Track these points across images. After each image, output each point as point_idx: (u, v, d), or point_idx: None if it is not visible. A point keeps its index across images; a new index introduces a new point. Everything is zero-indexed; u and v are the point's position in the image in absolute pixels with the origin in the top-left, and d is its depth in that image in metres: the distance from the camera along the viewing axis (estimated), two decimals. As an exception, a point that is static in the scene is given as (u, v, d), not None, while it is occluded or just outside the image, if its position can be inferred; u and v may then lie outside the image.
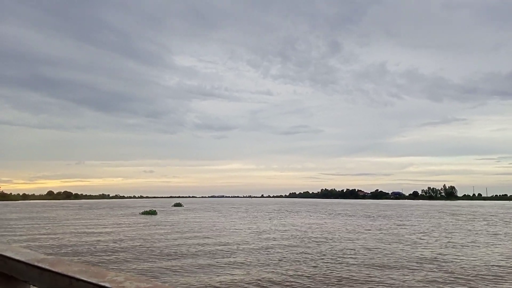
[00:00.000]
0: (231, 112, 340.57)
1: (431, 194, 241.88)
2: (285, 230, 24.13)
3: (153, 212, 44.31)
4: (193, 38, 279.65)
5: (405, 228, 26.05)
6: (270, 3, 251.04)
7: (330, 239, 19.12)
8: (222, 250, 15.85)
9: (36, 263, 1.41)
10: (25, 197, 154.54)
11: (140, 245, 17.24)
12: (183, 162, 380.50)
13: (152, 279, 1.01)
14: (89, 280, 1.14)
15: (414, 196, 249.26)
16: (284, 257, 13.88)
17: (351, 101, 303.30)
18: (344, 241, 18.61)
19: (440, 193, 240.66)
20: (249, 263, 12.92)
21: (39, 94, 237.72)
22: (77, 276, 1.19)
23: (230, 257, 14.17)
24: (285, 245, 17.42)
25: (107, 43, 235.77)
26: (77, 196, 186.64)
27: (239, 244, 17.83)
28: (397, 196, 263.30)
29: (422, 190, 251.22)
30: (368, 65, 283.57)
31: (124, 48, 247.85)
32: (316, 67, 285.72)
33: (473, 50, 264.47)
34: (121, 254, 14.78)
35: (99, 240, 19.16)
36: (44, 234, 22.08)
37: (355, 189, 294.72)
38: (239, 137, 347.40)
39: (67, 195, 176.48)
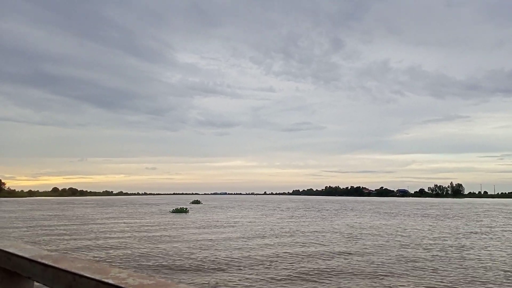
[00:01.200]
0: (234, 109, 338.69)
1: (437, 192, 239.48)
2: (372, 233, 21.27)
3: (185, 210, 41.26)
4: (195, 35, 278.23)
5: (496, 229, 23.29)
6: (272, 0, 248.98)
7: (451, 246, 16.25)
8: (348, 255, 12.97)
9: (39, 260, 1.40)
10: (31, 193, 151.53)
11: (231, 252, 14.37)
12: (186, 159, 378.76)
13: (155, 276, 1.17)
14: (92, 276, 1.13)
15: (420, 193, 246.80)
16: (464, 273, 11.01)
17: (353, 98, 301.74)
18: (475, 248, 15.77)
19: (447, 190, 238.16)
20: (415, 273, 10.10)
21: (41, 91, 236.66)
22: (81, 272, 1.18)
23: (369, 261, 11.33)
24: (410, 251, 14.55)
25: (109, 40, 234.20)
26: (82, 193, 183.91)
27: (344, 247, 14.95)
28: (403, 193, 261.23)
29: (429, 188, 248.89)
30: (370, 62, 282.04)
31: (126, 45, 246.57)
32: (318, 64, 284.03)
33: (475, 47, 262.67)
34: (233, 268, 11.89)
35: (169, 245, 16.27)
36: (96, 238, 19.18)
37: (360, 187, 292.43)
38: (241, 134, 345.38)
39: (72, 192, 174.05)
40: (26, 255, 1.48)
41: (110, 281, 1.07)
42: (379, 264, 11.81)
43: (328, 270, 11.01)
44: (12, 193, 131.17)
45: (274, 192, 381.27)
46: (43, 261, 1.38)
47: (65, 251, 14.66)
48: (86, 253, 14.29)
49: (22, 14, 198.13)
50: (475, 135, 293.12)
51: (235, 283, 9.60)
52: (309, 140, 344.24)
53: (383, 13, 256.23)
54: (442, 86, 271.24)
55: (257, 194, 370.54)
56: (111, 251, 14.69)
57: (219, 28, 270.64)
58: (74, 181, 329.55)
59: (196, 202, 69.82)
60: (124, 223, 27.91)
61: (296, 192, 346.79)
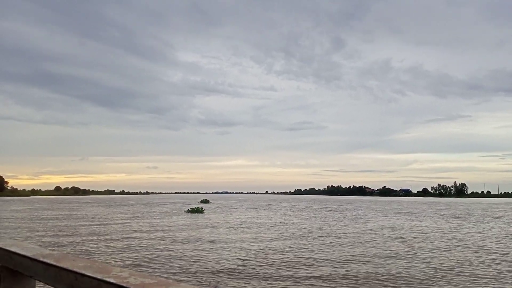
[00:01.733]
0: (235, 108, 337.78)
1: (441, 191, 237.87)
2: (421, 236, 19.87)
3: (201, 210, 39.35)
4: (196, 34, 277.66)
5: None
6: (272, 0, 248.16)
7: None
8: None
9: (41, 259, 1.41)
10: (34, 192, 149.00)
11: (287, 256, 12.95)
12: (187, 158, 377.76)
13: (157, 275, 1.11)
14: (94, 275, 1.13)
15: (424, 193, 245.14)
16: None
17: (355, 97, 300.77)
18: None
19: (450, 190, 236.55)
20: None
21: (42, 90, 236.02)
22: (82, 271, 1.18)
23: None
24: (488, 255, 13.14)
25: (110, 39, 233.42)
26: (85, 192, 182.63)
27: (409, 251, 13.51)
28: (406, 193, 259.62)
29: (432, 187, 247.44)
30: (372, 61, 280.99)
31: (127, 44, 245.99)
32: (319, 63, 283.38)
33: (477, 46, 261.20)
34: (308, 276, 10.47)
35: (210, 247, 14.85)
36: (127, 239, 17.74)
37: (362, 186, 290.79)
38: (242, 133, 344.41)
39: (75, 191, 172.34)
40: (28, 254, 1.48)
41: (112, 280, 1.07)
42: (475, 270, 10.39)
43: (424, 277, 9.60)
44: (15, 192, 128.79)
45: (275, 192, 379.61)
46: (45, 260, 1.38)
47: (102, 253, 13.27)
48: (125, 254, 12.87)
49: (23, 14, 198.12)
50: (476, 135, 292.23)
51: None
52: (310, 139, 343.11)
53: (384, 13, 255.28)
54: (444, 86, 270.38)
55: (258, 193, 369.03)
56: (149, 252, 13.30)
57: (219, 28, 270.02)
58: (75, 180, 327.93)
59: (205, 201, 68.15)
60: (145, 223, 26.48)
61: (298, 192, 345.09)
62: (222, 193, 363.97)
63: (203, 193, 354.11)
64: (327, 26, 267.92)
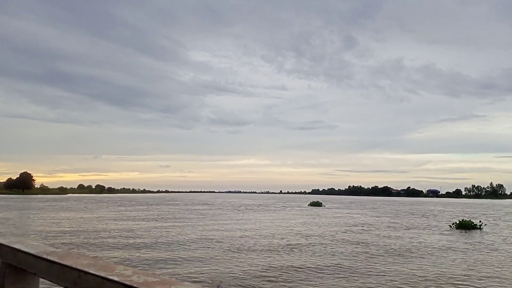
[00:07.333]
0: (246, 107, 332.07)
1: (476, 192, 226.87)
2: None
3: (474, 226, 23.20)
4: (207, 33, 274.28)
5: None
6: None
7: None
8: None
9: (45, 256, 1.40)
10: (62, 190, 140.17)
11: None
12: (198, 157, 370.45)
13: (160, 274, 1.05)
14: (97, 273, 1.12)
15: (457, 194, 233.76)
16: None
17: (366, 96, 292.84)
18: None
19: (486, 191, 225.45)
20: None
21: (55, 89, 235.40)
22: (86, 269, 1.17)
23: None
24: None
25: (121, 38, 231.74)
26: (110, 190, 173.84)
27: None
28: (434, 194, 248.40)
29: (466, 188, 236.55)
30: (383, 60, 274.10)
31: (138, 43, 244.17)
32: (330, 62, 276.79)
33: (490, 45, 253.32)
34: None
35: None
36: None
37: (387, 186, 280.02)
38: (253, 132, 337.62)
39: (101, 189, 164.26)
40: (32, 251, 1.46)
41: (115, 278, 1.05)
42: None
43: None
44: (45, 190, 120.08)
45: (290, 191, 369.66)
46: (49, 257, 1.36)
47: None
48: None
49: (35, 14, 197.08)
50: (491, 135, 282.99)
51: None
52: (322, 138, 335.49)
53: (395, 12, 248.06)
54: (457, 85, 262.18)
55: (272, 192, 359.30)
56: None
57: (230, 27, 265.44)
58: (89, 178, 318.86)
59: (317, 204, 55.55)
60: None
61: (315, 192, 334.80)
62: (235, 192, 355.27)
63: (217, 192, 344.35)
64: (338, 24, 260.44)
